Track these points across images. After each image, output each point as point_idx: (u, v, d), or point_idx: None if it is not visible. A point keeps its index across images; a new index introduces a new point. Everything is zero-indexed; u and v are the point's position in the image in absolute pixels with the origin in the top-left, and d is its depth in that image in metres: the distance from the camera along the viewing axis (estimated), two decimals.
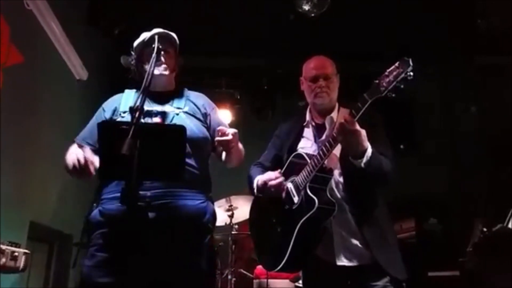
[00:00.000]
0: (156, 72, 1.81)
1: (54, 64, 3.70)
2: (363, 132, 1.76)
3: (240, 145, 1.96)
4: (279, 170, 2.03)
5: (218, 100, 5.41)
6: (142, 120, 1.73)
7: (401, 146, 5.14)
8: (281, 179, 1.98)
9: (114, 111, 1.90)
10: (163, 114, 1.84)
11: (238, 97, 5.58)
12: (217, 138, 1.74)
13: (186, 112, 1.90)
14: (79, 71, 4.07)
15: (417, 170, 4.86)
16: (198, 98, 2.02)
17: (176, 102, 1.93)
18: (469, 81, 5.04)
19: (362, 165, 1.78)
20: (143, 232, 1.35)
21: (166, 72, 1.92)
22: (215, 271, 1.87)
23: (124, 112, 1.86)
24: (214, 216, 1.87)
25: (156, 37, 1.84)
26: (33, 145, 3.19)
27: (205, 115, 1.97)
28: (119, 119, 1.85)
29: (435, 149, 5.34)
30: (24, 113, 3.12)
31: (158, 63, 1.85)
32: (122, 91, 2.02)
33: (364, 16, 4.53)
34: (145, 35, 1.96)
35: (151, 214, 1.61)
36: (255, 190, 2.10)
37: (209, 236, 1.81)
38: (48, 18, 3.39)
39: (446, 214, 4.41)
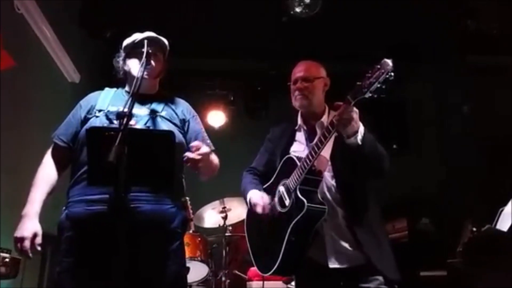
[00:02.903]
0: (140, 74, 1.75)
1: (46, 67, 3.69)
2: (357, 111, 1.77)
3: (215, 158, 1.95)
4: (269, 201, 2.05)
5: (211, 101, 5.49)
6: (116, 122, 1.75)
7: (394, 146, 5.16)
8: (267, 209, 2.02)
9: (90, 109, 1.89)
10: (138, 117, 1.83)
11: (232, 98, 5.60)
12: (186, 154, 1.69)
13: (162, 116, 1.90)
14: (71, 74, 4.06)
15: (410, 170, 4.88)
16: (178, 104, 2.02)
17: (154, 106, 1.92)
18: (461, 81, 5.07)
19: (359, 141, 1.79)
20: (109, 236, 1.35)
21: (147, 76, 1.90)
22: (184, 277, 1.86)
23: (99, 111, 1.86)
24: (184, 222, 1.86)
25: (146, 41, 1.84)
26: (25, 149, 3.18)
27: (183, 121, 1.97)
28: (93, 118, 1.85)
29: (428, 149, 5.37)
30: (16, 117, 3.11)
31: (148, 67, 1.85)
32: None
33: (356, 17, 4.54)
34: (136, 36, 1.96)
35: (119, 219, 1.52)
36: (248, 204, 2.13)
37: (178, 241, 1.80)
38: (39, 21, 3.38)
39: (438, 214, 4.43)
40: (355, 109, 1.77)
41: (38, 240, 1.72)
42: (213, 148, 2.01)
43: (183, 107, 2.02)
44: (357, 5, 4.35)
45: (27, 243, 1.69)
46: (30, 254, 1.71)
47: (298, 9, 4.11)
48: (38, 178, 1.85)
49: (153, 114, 1.88)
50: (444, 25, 4.51)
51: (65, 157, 1.90)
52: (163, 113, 1.91)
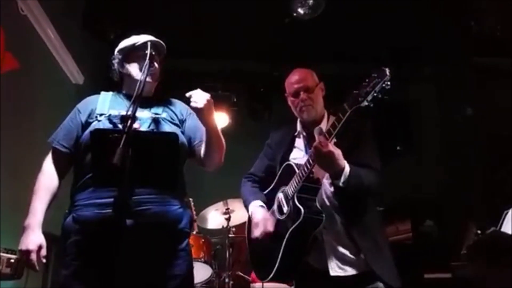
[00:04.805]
0: (142, 78, 1.73)
1: (49, 69, 3.70)
2: (338, 152, 1.77)
3: (222, 139, 1.93)
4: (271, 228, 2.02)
5: (214, 103, 5.44)
6: (120, 126, 1.73)
7: (398, 148, 5.15)
8: (270, 228, 2.00)
9: (90, 113, 1.88)
10: (142, 120, 1.82)
11: (235, 100, 5.59)
12: (189, 93, 1.73)
13: (164, 118, 1.90)
14: (75, 75, 4.08)
15: (414, 171, 4.88)
16: (175, 105, 2.02)
17: (155, 108, 1.92)
18: (465, 83, 5.05)
19: (341, 184, 1.80)
20: (120, 239, 1.36)
21: (151, 80, 1.92)
22: (192, 275, 1.88)
23: (101, 115, 1.85)
24: (190, 221, 1.88)
25: (149, 43, 1.83)
26: (29, 151, 3.18)
27: (182, 121, 1.97)
28: (95, 122, 1.84)
29: (432, 151, 5.35)
30: (20, 119, 3.12)
31: (152, 69, 1.85)
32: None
33: (359, 18, 4.54)
34: (135, 39, 1.94)
35: (129, 221, 1.57)
36: (250, 215, 2.13)
37: (186, 240, 1.82)
38: (43, 23, 3.39)
39: (442, 216, 4.41)
40: (334, 149, 1.75)
41: (43, 252, 1.73)
42: None
43: (180, 107, 2.02)
44: (360, 7, 4.34)
45: (33, 256, 1.69)
46: (37, 267, 1.72)
47: (301, 11, 4.11)
48: (39, 187, 1.83)
49: (155, 116, 1.88)
50: (448, 26, 4.50)
51: (66, 162, 1.89)
52: (164, 115, 1.91)
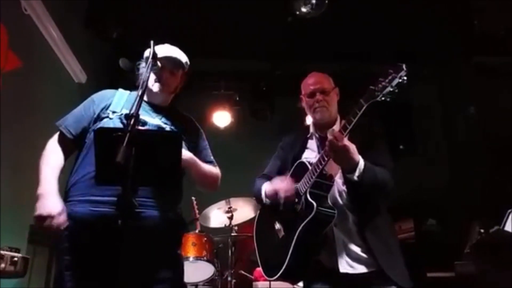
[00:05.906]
0: (155, 89, 1.89)
1: (52, 68, 3.70)
2: (352, 147, 1.78)
3: (212, 169, 1.99)
4: (287, 177, 2.03)
5: (217, 102, 5.50)
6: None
7: (400, 147, 5.14)
8: (290, 185, 1.98)
9: (104, 108, 1.91)
10: (150, 125, 1.86)
11: (237, 98, 5.60)
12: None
13: (172, 129, 1.93)
14: (78, 74, 4.08)
15: (416, 170, 4.86)
16: (188, 121, 2.08)
17: (166, 118, 1.96)
18: (467, 82, 5.04)
19: (356, 178, 1.80)
20: (113, 238, 1.34)
21: (162, 91, 1.96)
22: (182, 280, 1.88)
23: (113, 113, 1.87)
24: (183, 227, 1.92)
25: (152, 42, 1.82)
26: (32, 149, 3.18)
27: (190, 138, 2.00)
28: (106, 119, 1.86)
29: (434, 150, 5.34)
30: (23, 117, 3.13)
31: (155, 67, 1.85)
32: None
33: (362, 18, 4.53)
34: (158, 49, 1.91)
35: (122, 222, 1.49)
36: (264, 197, 2.10)
37: (179, 247, 1.86)
38: (46, 22, 3.40)
39: (444, 215, 4.41)
40: (349, 143, 1.76)
41: (63, 217, 1.68)
42: (211, 159, 2.08)
43: (191, 125, 2.08)
44: (362, 6, 4.33)
45: (57, 220, 1.64)
46: (63, 227, 1.67)
47: (304, 9, 4.10)
48: (49, 159, 1.82)
49: (163, 125, 1.91)
50: (450, 25, 4.49)
51: (69, 148, 1.91)
52: (172, 127, 1.95)
